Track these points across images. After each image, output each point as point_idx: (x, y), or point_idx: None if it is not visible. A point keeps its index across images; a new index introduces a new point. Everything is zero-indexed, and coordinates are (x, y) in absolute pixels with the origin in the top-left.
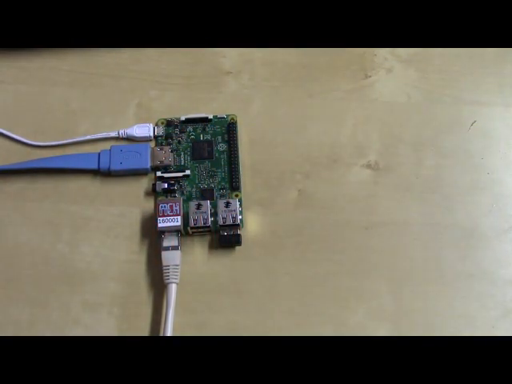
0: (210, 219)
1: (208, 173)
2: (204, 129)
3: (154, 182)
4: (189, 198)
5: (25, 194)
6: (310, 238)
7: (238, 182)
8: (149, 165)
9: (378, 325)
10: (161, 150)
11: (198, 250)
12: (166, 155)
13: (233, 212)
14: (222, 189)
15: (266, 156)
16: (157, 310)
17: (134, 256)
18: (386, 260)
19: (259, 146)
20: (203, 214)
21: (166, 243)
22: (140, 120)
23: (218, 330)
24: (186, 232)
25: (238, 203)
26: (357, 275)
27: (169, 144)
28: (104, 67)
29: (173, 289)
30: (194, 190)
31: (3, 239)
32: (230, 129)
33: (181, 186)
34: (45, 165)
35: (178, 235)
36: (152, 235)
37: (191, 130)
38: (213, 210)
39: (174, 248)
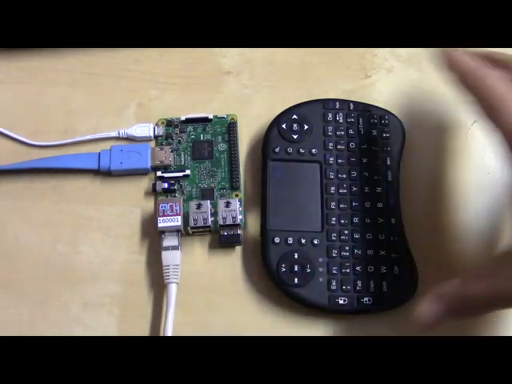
0: (210, 219)
1: (208, 173)
2: (204, 129)
3: (154, 181)
4: (189, 198)
5: (25, 193)
6: None
7: (238, 181)
8: (149, 165)
9: (378, 325)
10: (161, 149)
11: (198, 249)
12: (166, 155)
13: (233, 212)
14: (222, 189)
15: None
16: (157, 310)
17: (134, 256)
18: None
19: (259, 145)
20: (203, 213)
21: (166, 243)
22: (140, 120)
23: (218, 330)
24: (186, 232)
25: (238, 203)
26: None
27: (169, 144)
28: (104, 67)
29: (173, 289)
30: (194, 189)
31: (3, 239)
32: (230, 129)
33: (181, 186)
34: (45, 165)
35: (178, 235)
36: (152, 235)
37: (191, 129)
38: (213, 210)
39: (174, 248)
